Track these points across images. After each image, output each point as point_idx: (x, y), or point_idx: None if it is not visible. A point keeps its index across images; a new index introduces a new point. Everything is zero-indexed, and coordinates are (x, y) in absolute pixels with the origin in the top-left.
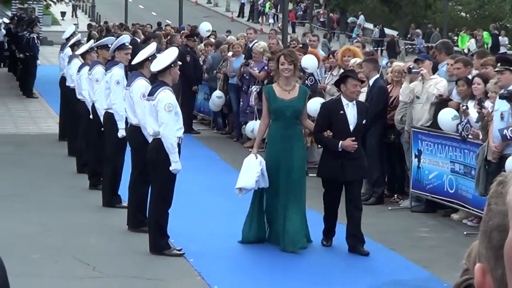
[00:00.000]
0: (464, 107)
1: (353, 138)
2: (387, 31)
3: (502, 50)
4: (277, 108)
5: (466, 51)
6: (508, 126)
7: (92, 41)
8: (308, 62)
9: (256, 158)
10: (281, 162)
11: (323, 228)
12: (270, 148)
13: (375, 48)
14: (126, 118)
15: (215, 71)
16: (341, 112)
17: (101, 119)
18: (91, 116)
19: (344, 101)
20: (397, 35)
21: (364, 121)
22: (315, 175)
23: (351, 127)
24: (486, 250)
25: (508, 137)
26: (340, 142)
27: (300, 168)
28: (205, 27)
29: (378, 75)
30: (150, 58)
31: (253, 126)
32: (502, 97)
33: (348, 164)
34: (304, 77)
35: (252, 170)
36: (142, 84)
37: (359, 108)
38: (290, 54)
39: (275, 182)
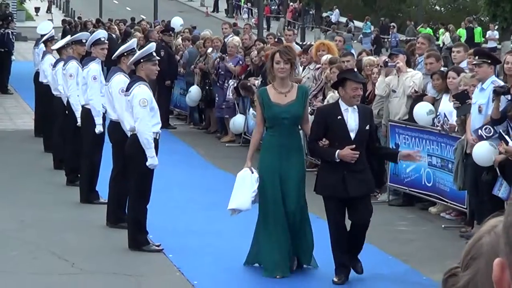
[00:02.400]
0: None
1: (353, 147)
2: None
3: (491, 44)
4: (273, 115)
5: (441, 45)
6: (481, 126)
7: (68, 36)
8: None
9: (252, 173)
10: (276, 176)
11: (333, 263)
12: (264, 159)
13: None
14: (105, 113)
15: (192, 66)
16: (339, 117)
17: (76, 114)
18: (66, 112)
19: (343, 105)
20: (374, 28)
21: (367, 127)
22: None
23: (352, 134)
24: (504, 245)
25: (484, 137)
26: (337, 151)
27: (299, 184)
28: (177, 22)
29: (355, 69)
30: (125, 54)
31: (234, 121)
32: (499, 93)
33: (350, 178)
34: None
35: (247, 188)
36: (120, 79)
37: (361, 112)
38: (286, 51)
39: (269, 199)
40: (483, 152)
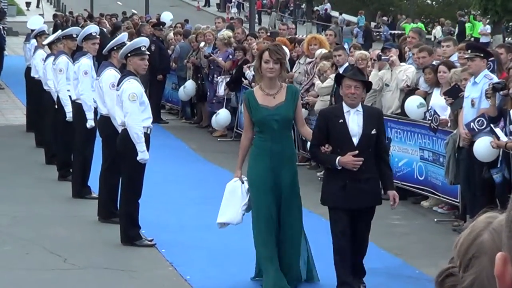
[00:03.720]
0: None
1: (355, 153)
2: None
3: (485, 39)
4: (261, 118)
5: (432, 38)
6: (474, 119)
7: (59, 31)
8: None
9: (242, 183)
10: (267, 186)
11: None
12: (253, 168)
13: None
14: (96, 108)
15: (184, 61)
16: (341, 121)
17: (66, 109)
18: (56, 106)
19: (345, 107)
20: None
21: (374, 131)
22: None
23: (354, 139)
24: (507, 239)
25: (476, 130)
26: (338, 158)
27: (292, 193)
28: (167, 17)
29: (347, 63)
30: (116, 48)
31: (217, 114)
32: (497, 89)
33: (353, 187)
34: None
35: (237, 200)
36: (111, 74)
37: (366, 115)
38: (276, 50)
39: (261, 210)
40: (485, 147)
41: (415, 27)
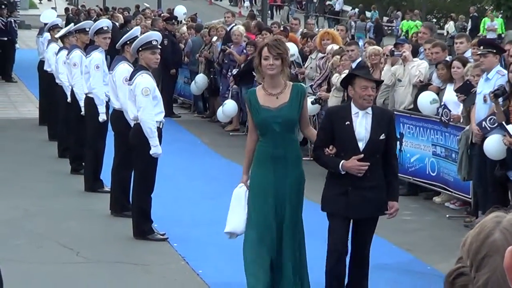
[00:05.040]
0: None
1: (361, 156)
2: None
3: (491, 35)
4: (262, 121)
5: (445, 33)
6: (486, 117)
7: (72, 24)
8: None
9: (248, 189)
10: (269, 194)
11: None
12: (255, 174)
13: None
14: (107, 102)
15: (196, 55)
16: (347, 123)
17: (80, 103)
18: (69, 100)
19: (354, 108)
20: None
21: (383, 136)
22: None
23: (360, 144)
24: None
25: (488, 128)
26: (342, 162)
27: (296, 203)
28: (181, 10)
29: (360, 58)
30: (129, 42)
31: (224, 105)
32: (498, 95)
33: (355, 195)
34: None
35: (242, 208)
36: (124, 68)
37: (376, 117)
38: (276, 45)
39: (262, 221)
40: (495, 145)
41: (413, 24)
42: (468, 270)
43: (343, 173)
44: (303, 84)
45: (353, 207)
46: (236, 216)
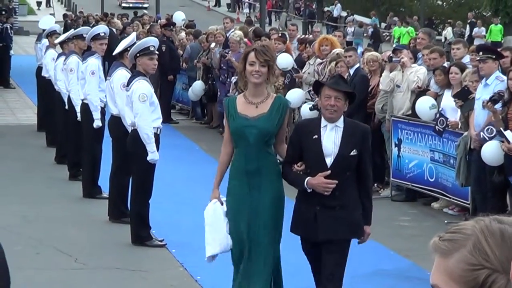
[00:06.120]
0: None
1: (328, 173)
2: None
3: (478, 41)
4: (236, 129)
5: (443, 40)
6: (483, 127)
7: (71, 30)
8: (284, 61)
9: (222, 204)
10: (242, 208)
11: None
12: (231, 189)
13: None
14: (103, 108)
15: (195, 61)
16: (315, 136)
17: (76, 109)
18: (66, 107)
19: (323, 121)
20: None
21: (353, 152)
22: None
23: (328, 160)
24: None
25: (487, 138)
26: (307, 179)
27: (269, 223)
28: (179, 17)
29: (359, 64)
30: (129, 48)
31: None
32: (494, 101)
33: (323, 216)
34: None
35: (220, 223)
36: (122, 74)
37: (347, 131)
38: (264, 51)
39: (237, 241)
40: (492, 151)
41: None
42: (502, 276)
43: (309, 191)
44: (288, 99)
45: (321, 228)
46: (218, 234)
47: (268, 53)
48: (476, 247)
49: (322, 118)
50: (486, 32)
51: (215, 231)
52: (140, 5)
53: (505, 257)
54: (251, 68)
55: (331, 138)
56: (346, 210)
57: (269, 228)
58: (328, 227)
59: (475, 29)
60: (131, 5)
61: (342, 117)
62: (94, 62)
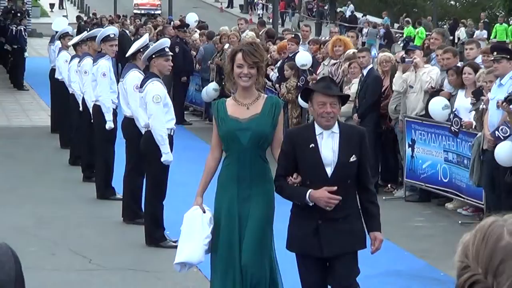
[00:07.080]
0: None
1: (334, 189)
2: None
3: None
4: (227, 132)
5: (456, 40)
6: (498, 126)
7: (85, 32)
8: (303, 58)
9: (204, 212)
10: (234, 220)
11: None
12: (219, 198)
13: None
14: (115, 109)
15: (208, 62)
16: (311, 145)
17: (90, 111)
18: (80, 109)
19: (318, 128)
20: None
21: (353, 158)
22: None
23: (328, 170)
24: None
25: (502, 138)
26: (309, 192)
27: (259, 233)
28: (192, 18)
29: (372, 65)
30: (141, 50)
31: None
32: (510, 101)
33: (326, 230)
34: (301, 73)
35: (197, 232)
36: (135, 76)
37: (344, 136)
38: (252, 51)
39: (226, 250)
40: (506, 152)
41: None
42: (483, 278)
43: (311, 204)
44: (279, 98)
45: (325, 243)
46: (191, 243)
47: (257, 53)
48: (467, 242)
49: (316, 125)
50: (490, 34)
51: (188, 239)
52: (153, 12)
53: (482, 255)
54: (239, 70)
55: (329, 146)
56: (349, 221)
57: (260, 240)
58: (333, 241)
59: (477, 32)
60: (143, 11)
61: (336, 121)
62: (105, 64)
